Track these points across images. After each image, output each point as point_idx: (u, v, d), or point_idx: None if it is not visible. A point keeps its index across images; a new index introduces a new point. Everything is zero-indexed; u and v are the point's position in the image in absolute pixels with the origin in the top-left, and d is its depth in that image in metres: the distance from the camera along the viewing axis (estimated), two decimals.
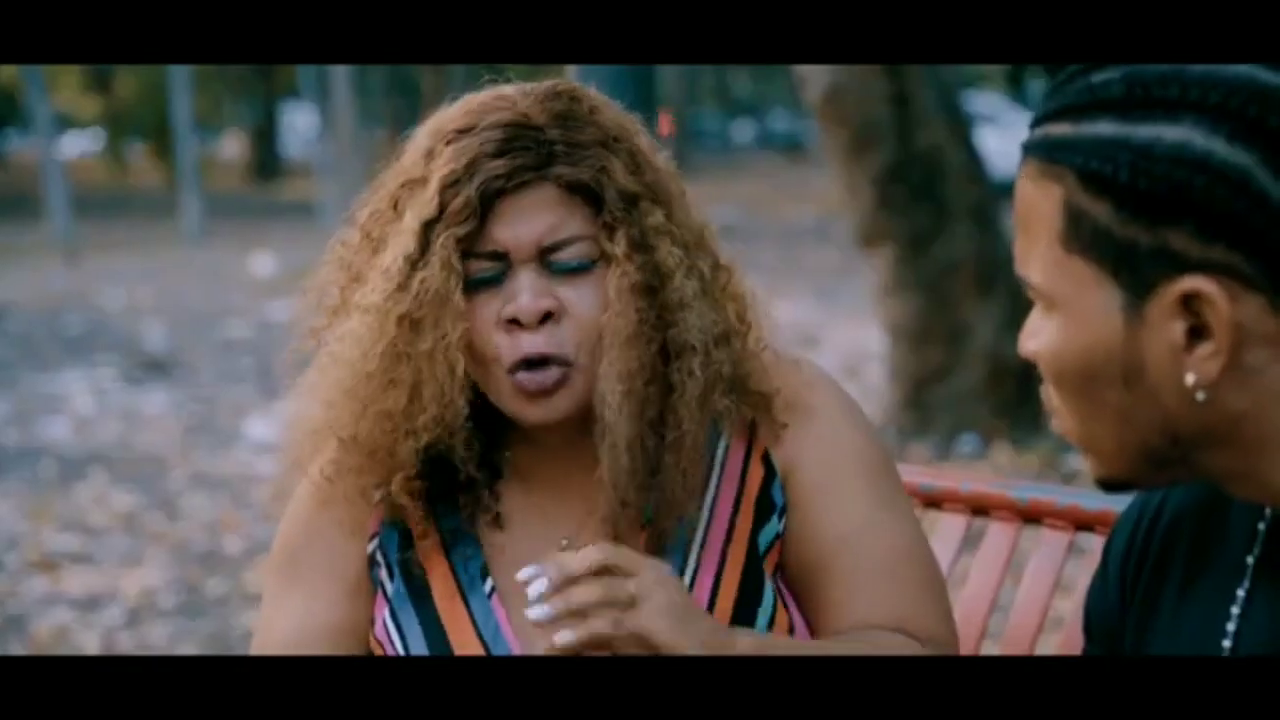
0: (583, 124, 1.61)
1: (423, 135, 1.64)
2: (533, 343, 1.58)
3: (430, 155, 1.61)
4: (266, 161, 39.39)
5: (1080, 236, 1.17)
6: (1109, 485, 1.26)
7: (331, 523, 1.72)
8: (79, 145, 45.07)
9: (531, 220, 1.58)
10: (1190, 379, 1.15)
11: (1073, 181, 1.16)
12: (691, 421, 1.61)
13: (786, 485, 1.70)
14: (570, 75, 3.00)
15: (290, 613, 1.72)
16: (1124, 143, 1.14)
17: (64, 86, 37.28)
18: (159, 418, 9.34)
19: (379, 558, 1.72)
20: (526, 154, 1.58)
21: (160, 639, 5.14)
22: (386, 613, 1.70)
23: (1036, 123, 1.22)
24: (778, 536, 1.69)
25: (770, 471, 1.70)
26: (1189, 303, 1.14)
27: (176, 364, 11.30)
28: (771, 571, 1.69)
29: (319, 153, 27.67)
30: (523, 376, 1.59)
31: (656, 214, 1.62)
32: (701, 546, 1.66)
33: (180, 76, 25.19)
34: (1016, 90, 35.71)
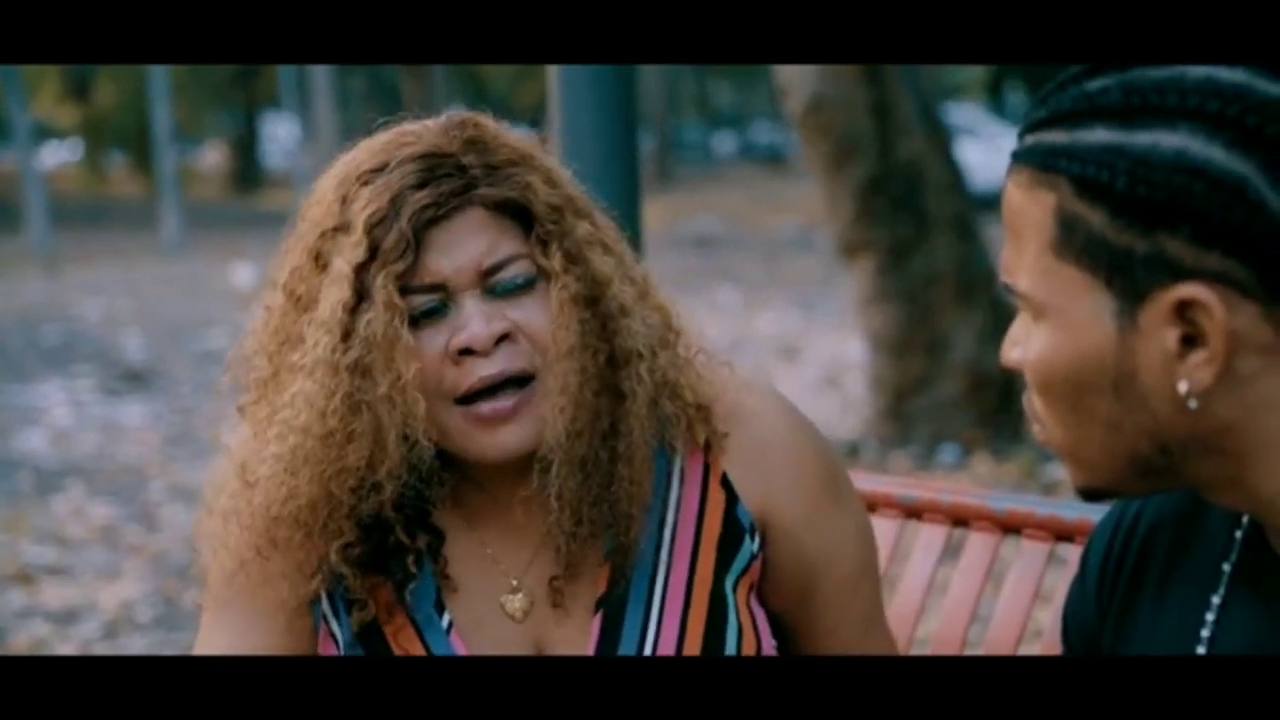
0: (492, 147, 1.59)
1: (328, 185, 1.59)
2: (489, 366, 1.55)
3: (345, 200, 1.56)
4: (246, 172, 39.37)
5: (1073, 244, 1.16)
6: (1091, 494, 1.26)
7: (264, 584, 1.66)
8: (58, 155, 44.98)
9: (466, 246, 1.55)
10: (1183, 387, 1.15)
11: (1067, 188, 1.16)
12: (642, 430, 1.59)
13: (763, 526, 1.68)
14: (551, 77, 2.99)
15: (221, 644, 1.67)
16: (1121, 149, 1.14)
17: (43, 96, 37.20)
18: (138, 429, 9.31)
19: (323, 598, 1.66)
20: (449, 180, 1.55)
21: (138, 652, 5.11)
22: (336, 653, 1.66)
23: (1027, 130, 1.21)
24: (753, 557, 1.67)
25: (731, 495, 1.67)
26: (1184, 310, 1.14)
27: (155, 375, 11.27)
28: (747, 591, 1.67)
29: (299, 163, 27.68)
30: (482, 406, 1.55)
31: (583, 225, 1.60)
32: (665, 585, 1.64)
33: (160, 86, 25.15)
34: (996, 102, 35.81)
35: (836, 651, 1.74)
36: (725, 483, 1.67)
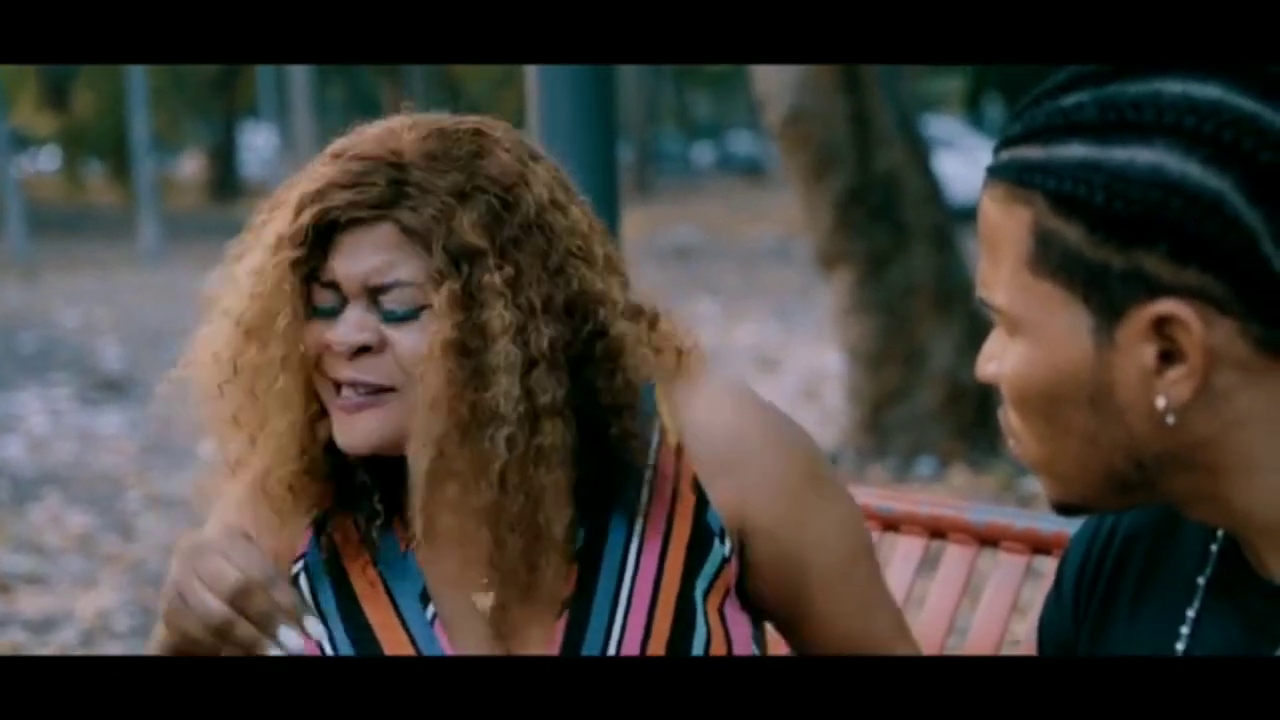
0: (449, 168, 1.57)
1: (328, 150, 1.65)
2: (345, 370, 1.58)
3: (309, 172, 1.61)
4: (225, 181, 39.26)
5: (1049, 259, 1.16)
6: (1067, 509, 1.27)
7: (256, 532, 1.69)
8: (36, 164, 44.85)
9: (363, 258, 1.56)
10: (1161, 402, 1.16)
11: (1043, 204, 1.16)
12: (509, 489, 1.57)
13: (739, 528, 1.67)
14: (530, 83, 3.00)
15: None
16: (1098, 165, 1.14)
17: (21, 104, 37.09)
18: (114, 438, 9.28)
19: (303, 579, 1.68)
20: (373, 190, 1.55)
21: None
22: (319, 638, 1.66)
23: (1003, 145, 1.21)
24: (724, 561, 1.66)
25: (702, 498, 1.66)
26: (1161, 327, 1.14)
27: (132, 384, 11.23)
28: (720, 598, 1.66)
29: (278, 172, 27.61)
30: (339, 397, 1.60)
31: (499, 272, 1.55)
32: (631, 588, 1.63)
33: (138, 94, 25.08)
34: (975, 115, 35.91)
35: (838, 639, 1.73)
36: (696, 486, 1.66)
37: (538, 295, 1.57)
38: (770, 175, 33.24)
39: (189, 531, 1.69)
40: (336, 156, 1.59)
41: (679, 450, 1.66)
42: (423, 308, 1.56)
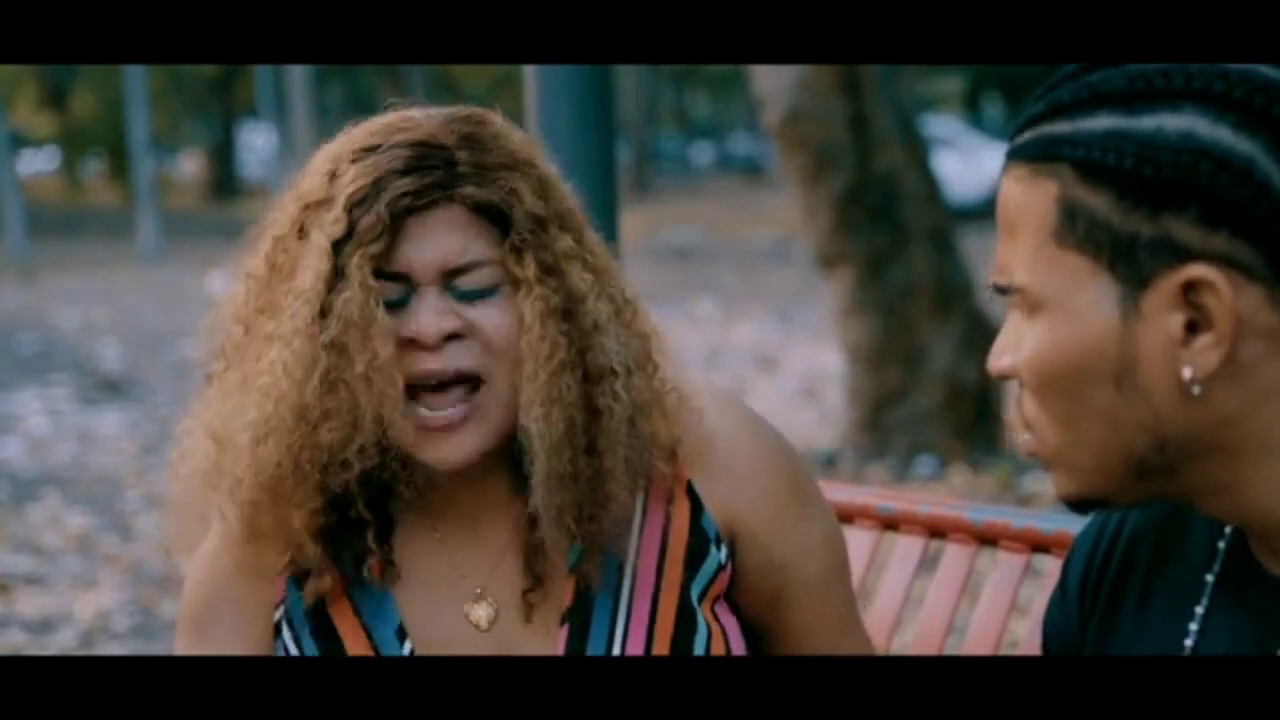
0: (489, 147, 1.57)
1: (322, 158, 1.59)
2: (434, 361, 1.53)
3: (334, 176, 1.55)
4: (224, 181, 39.29)
5: (1076, 230, 1.16)
6: (1079, 504, 1.25)
7: (238, 579, 1.65)
8: (35, 164, 44.83)
9: (437, 241, 1.53)
10: (1187, 372, 1.15)
11: (1070, 175, 1.16)
12: (624, 448, 1.57)
13: (731, 534, 1.68)
14: (528, 84, 2.99)
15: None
16: (1126, 133, 1.14)
17: (20, 104, 37.09)
18: (114, 438, 9.28)
19: (284, 627, 1.66)
20: (434, 173, 1.53)
21: None
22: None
23: (1025, 125, 1.21)
24: (720, 567, 1.66)
25: (697, 505, 1.66)
26: (1189, 293, 1.13)
27: (132, 384, 11.23)
28: (713, 603, 1.66)
29: (277, 172, 27.61)
30: (425, 414, 1.54)
31: (565, 239, 1.57)
32: (631, 597, 1.63)
33: (137, 94, 25.09)
34: (974, 114, 35.92)
35: (812, 653, 1.74)
36: (690, 492, 1.66)
37: (599, 258, 1.61)
38: (769, 175, 33.25)
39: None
40: (368, 151, 1.55)
41: (673, 454, 1.66)
42: (498, 285, 1.55)
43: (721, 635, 1.65)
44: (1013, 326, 1.23)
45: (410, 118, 1.59)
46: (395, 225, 1.52)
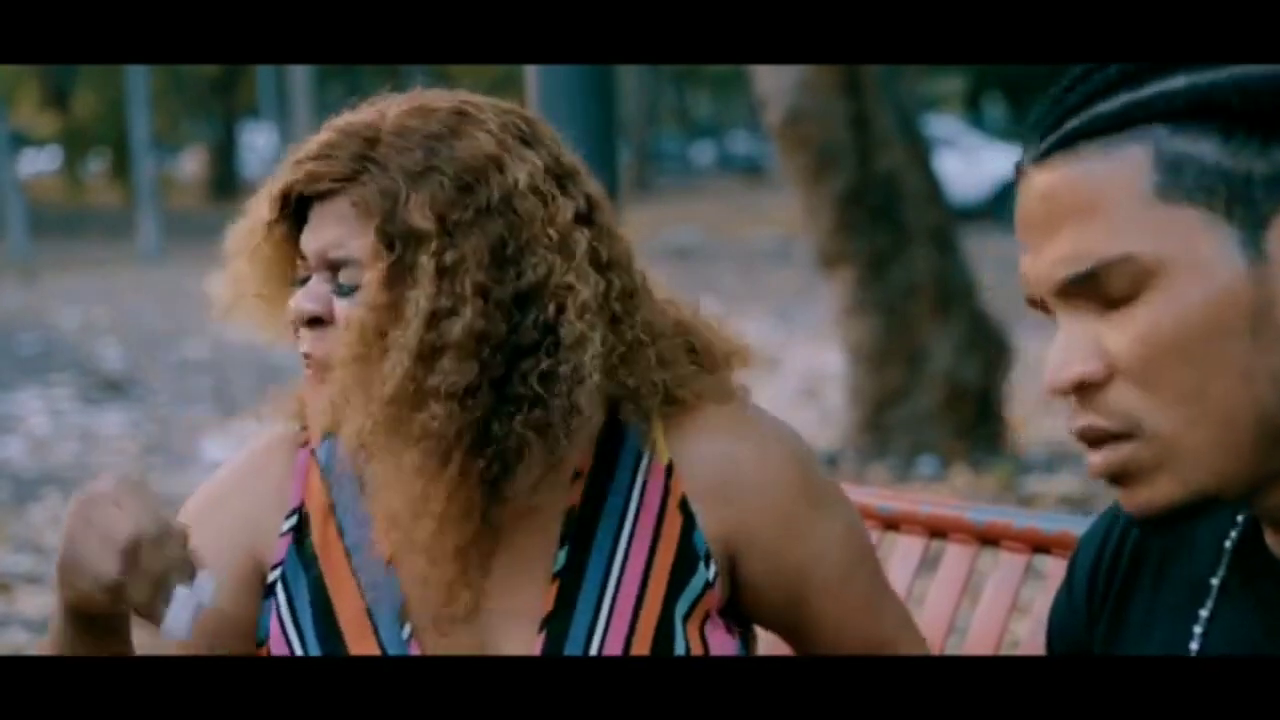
0: (414, 145, 1.55)
1: None
2: (301, 343, 1.60)
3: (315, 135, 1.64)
4: (225, 180, 39.27)
5: (1183, 182, 1.12)
6: (1180, 509, 1.18)
7: (242, 501, 1.69)
8: (36, 164, 44.84)
9: (323, 231, 1.58)
10: None
11: (1161, 132, 1.13)
12: (399, 464, 1.57)
13: (733, 550, 1.66)
14: (529, 85, 2.99)
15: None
16: (1216, 80, 1.12)
17: (22, 104, 37.09)
18: (115, 438, 9.28)
19: (279, 588, 1.66)
20: (336, 163, 1.56)
21: None
22: (289, 637, 1.65)
23: (1063, 115, 1.17)
24: (707, 585, 1.64)
25: (689, 521, 1.65)
26: None
27: (133, 384, 11.24)
28: (700, 621, 1.64)
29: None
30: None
31: (439, 256, 1.53)
32: (611, 609, 1.62)
33: (138, 94, 25.10)
34: (975, 114, 35.92)
35: (849, 639, 1.72)
36: (684, 507, 1.65)
37: (475, 282, 1.53)
38: (770, 175, 33.23)
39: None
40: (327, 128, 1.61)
41: (669, 470, 1.65)
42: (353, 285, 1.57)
43: (704, 648, 1.64)
44: (1080, 329, 1.17)
45: (386, 103, 1.62)
46: (302, 205, 1.60)
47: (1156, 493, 1.17)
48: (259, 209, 1.63)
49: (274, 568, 1.67)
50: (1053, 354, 1.17)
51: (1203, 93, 1.12)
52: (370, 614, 1.64)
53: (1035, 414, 7.74)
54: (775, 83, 7.12)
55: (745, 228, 23.90)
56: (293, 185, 1.58)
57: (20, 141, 35.84)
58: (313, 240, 1.59)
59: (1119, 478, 1.18)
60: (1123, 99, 1.15)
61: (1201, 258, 1.13)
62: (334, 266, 1.57)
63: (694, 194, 34.06)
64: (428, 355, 1.52)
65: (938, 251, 7.31)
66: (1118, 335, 1.15)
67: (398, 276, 1.53)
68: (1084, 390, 1.17)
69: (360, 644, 1.63)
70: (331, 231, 1.57)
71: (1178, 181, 1.13)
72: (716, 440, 1.66)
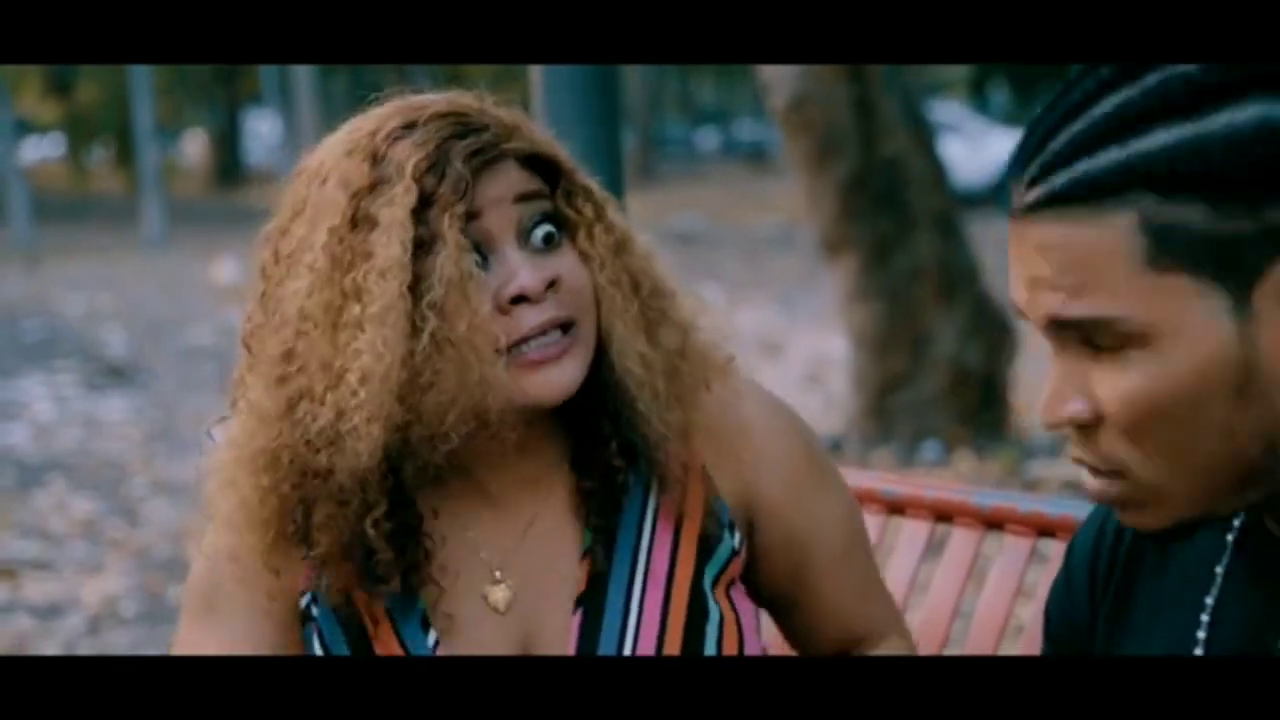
0: (504, 113, 1.60)
1: (337, 153, 1.57)
2: (539, 314, 1.53)
3: (376, 158, 1.53)
4: (229, 167, 39.28)
5: (1173, 250, 1.11)
6: (1167, 533, 1.22)
7: (253, 561, 1.61)
8: (40, 151, 44.84)
9: (505, 198, 1.55)
10: None
11: (1149, 200, 1.11)
12: (689, 364, 1.63)
13: (748, 515, 1.70)
14: (534, 76, 2.99)
15: (210, 649, 1.63)
16: (1200, 138, 1.11)
17: (25, 92, 37.07)
18: (119, 424, 9.29)
19: (313, 612, 1.64)
20: (484, 133, 1.55)
21: (122, 647, 5.11)
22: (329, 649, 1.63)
23: (1046, 170, 1.16)
24: (733, 553, 1.67)
25: (711, 489, 1.67)
26: None
27: (137, 370, 11.24)
28: (726, 588, 1.67)
29: (282, 159, 27.62)
30: (529, 350, 1.53)
31: (591, 181, 1.64)
32: (645, 581, 1.63)
33: (142, 82, 25.08)
34: (980, 100, 35.85)
35: (838, 625, 1.76)
36: (704, 476, 1.68)
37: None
38: (774, 161, 33.21)
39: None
40: (409, 128, 1.54)
41: (687, 440, 1.66)
42: (558, 233, 1.59)
43: (734, 619, 1.66)
44: (1072, 369, 1.18)
45: (418, 100, 1.60)
46: (475, 181, 1.53)
47: (1148, 520, 1.21)
48: (400, 223, 1.51)
49: (303, 593, 1.64)
50: (1046, 388, 1.20)
51: (1189, 157, 1.11)
52: (396, 629, 1.62)
53: (1039, 399, 7.73)
54: (779, 69, 7.11)
55: (749, 214, 23.88)
56: (469, 161, 1.54)
57: (24, 128, 35.85)
58: (498, 211, 1.55)
59: (1112, 505, 1.23)
60: (1111, 157, 1.13)
61: (1189, 324, 1.12)
62: (524, 227, 1.57)
63: (698, 180, 34.04)
64: (645, 260, 1.65)
65: (941, 237, 7.30)
66: (1107, 388, 1.16)
67: (596, 206, 1.63)
68: (1077, 427, 1.19)
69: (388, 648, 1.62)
70: (514, 194, 1.56)
71: (1168, 249, 1.12)
72: (727, 403, 1.68)
